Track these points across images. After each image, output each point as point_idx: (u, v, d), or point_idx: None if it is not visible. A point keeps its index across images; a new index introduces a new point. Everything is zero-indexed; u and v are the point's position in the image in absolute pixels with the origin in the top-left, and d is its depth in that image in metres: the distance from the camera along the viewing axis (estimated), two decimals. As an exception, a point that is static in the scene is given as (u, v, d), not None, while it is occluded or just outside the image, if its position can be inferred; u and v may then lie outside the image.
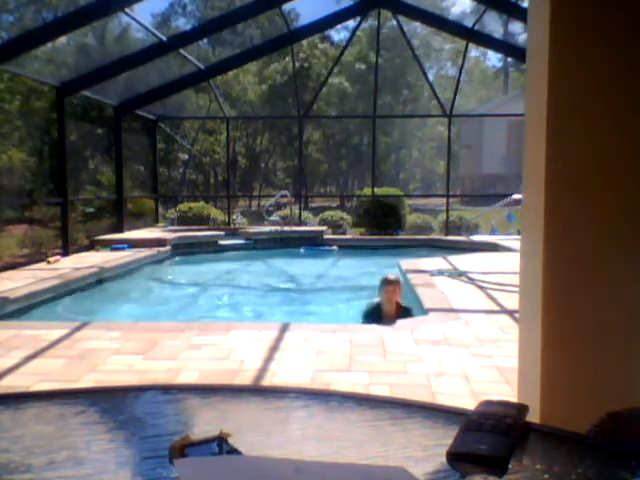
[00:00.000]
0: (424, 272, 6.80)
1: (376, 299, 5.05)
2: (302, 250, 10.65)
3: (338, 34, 26.11)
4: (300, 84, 18.93)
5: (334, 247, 10.82)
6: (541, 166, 1.85)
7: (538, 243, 1.88)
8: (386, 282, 4.93)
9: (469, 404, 0.89)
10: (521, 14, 9.21)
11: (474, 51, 33.56)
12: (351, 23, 13.58)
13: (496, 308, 5.19)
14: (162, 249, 9.31)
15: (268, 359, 3.62)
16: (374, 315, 4.88)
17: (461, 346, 3.92)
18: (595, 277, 1.84)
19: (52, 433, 0.79)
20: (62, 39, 9.90)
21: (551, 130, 1.82)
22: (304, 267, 9.31)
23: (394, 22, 13.98)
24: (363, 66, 24.96)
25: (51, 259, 7.93)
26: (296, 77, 14.85)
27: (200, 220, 12.20)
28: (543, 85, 1.83)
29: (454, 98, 12.13)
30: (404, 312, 4.87)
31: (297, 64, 22.23)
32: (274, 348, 3.86)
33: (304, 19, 24.97)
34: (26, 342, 4.03)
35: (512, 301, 5.07)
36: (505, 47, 14.08)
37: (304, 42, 23.05)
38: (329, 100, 24.83)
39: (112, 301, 6.71)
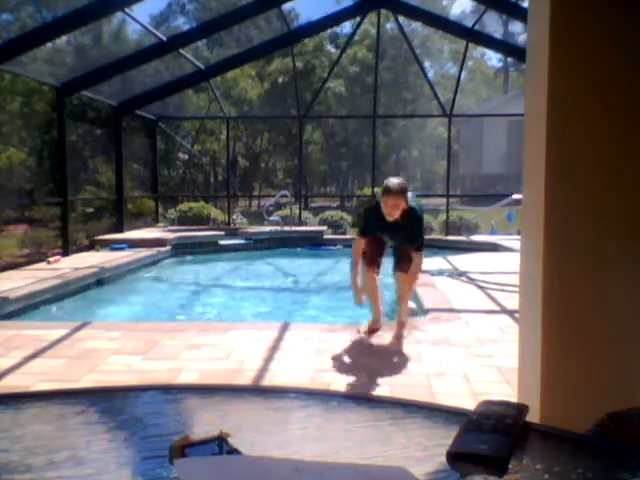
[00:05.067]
0: (424, 272, 6.78)
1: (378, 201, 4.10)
2: (299, 249, 10.66)
3: (342, 34, 26.02)
4: (303, 84, 18.93)
5: (338, 246, 10.84)
6: (541, 166, 1.85)
7: (538, 243, 1.88)
8: (386, 192, 3.82)
9: (469, 404, 0.89)
10: (521, 14, 9.21)
11: (475, 53, 33.56)
12: (351, 23, 13.55)
13: (496, 308, 5.19)
14: (162, 249, 9.31)
15: (268, 359, 3.62)
16: (373, 217, 4.02)
17: (461, 346, 3.92)
18: (595, 277, 1.84)
19: (52, 433, 0.79)
20: (62, 39, 9.91)
21: (551, 130, 1.82)
22: (304, 267, 9.31)
23: (394, 22, 13.99)
24: (361, 68, 24.96)
25: (51, 259, 7.93)
26: (297, 77, 14.83)
27: (200, 220, 12.20)
28: (543, 85, 1.83)
29: (454, 98, 12.12)
30: (409, 216, 3.94)
31: (301, 64, 22.25)
32: (274, 348, 3.86)
33: (304, 19, 25.02)
34: (26, 342, 4.04)
35: (512, 301, 5.08)
36: (505, 47, 14.08)
37: (310, 43, 23.15)
38: (329, 101, 24.82)
39: (112, 301, 6.71)
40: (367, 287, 4.22)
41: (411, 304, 4.74)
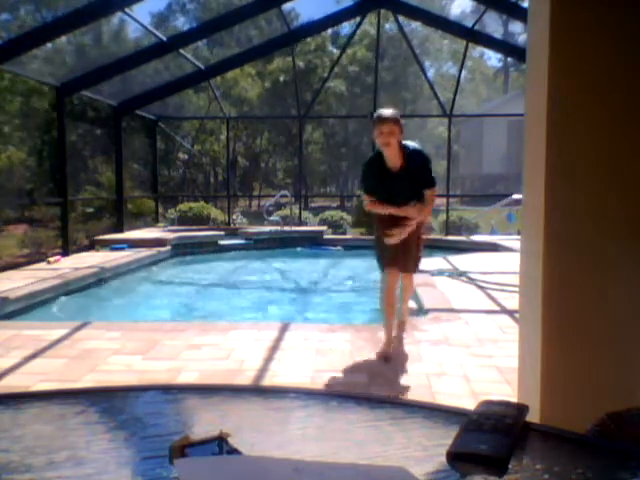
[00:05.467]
0: (424, 272, 6.79)
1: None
2: (299, 249, 10.69)
3: (343, 34, 26.05)
4: (303, 84, 18.92)
5: (339, 248, 10.87)
6: (541, 166, 1.86)
7: (538, 243, 1.88)
8: (377, 121, 3.51)
9: (469, 404, 0.89)
10: (521, 14, 9.21)
11: (475, 53, 33.59)
12: (350, 24, 13.55)
13: (496, 308, 5.19)
14: (162, 249, 9.31)
15: (268, 359, 3.62)
16: (375, 167, 3.65)
17: (461, 346, 3.92)
18: (595, 277, 1.84)
19: (52, 433, 0.79)
20: (62, 39, 9.92)
21: (551, 130, 1.82)
22: (304, 267, 9.31)
23: (394, 22, 13.99)
24: (361, 68, 24.97)
25: (51, 259, 7.93)
26: (297, 77, 14.83)
27: (200, 220, 12.20)
28: (543, 85, 1.83)
29: (454, 98, 12.12)
30: (411, 158, 3.61)
31: (302, 64, 22.24)
32: (274, 348, 3.86)
33: (304, 19, 25.04)
34: (26, 342, 4.04)
35: (512, 301, 5.08)
36: (505, 47, 14.08)
37: (312, 43, 23.17)
38: (329, 101, 24.83)
39: (112, 301, 6.72)
40: (384, 300, 3.77)
41: (411, 304, 4.70)
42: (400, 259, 3.72)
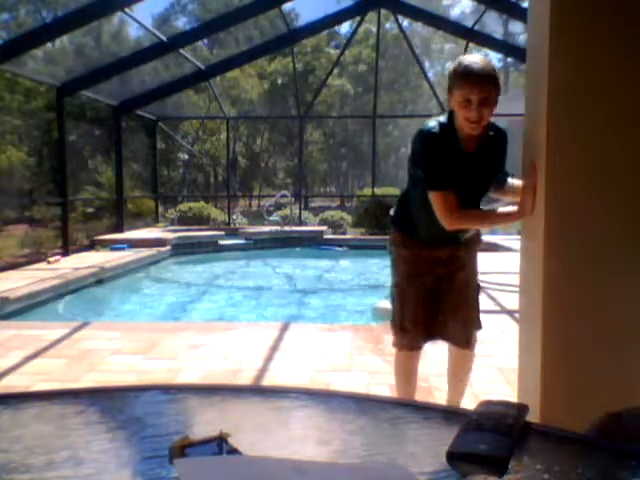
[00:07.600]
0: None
1: (440, 118, 2.23)
2: (299, 249, 10.72)
3: (342, 34, 26.13)
4: (301, 84, 18.93)
5: (344, 247, 10.93)
6: (541, 166, 1.86)
7: (538, 243, 1.87)
8: (464, 78, 2.03)
9: (469, 404, 0.89)
10: (521, 14, 9.21)
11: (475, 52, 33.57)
12: (351, 24, 13.54)
13: (496, 308, 5.18)
14: (162, 249, 9.31)
15: (268, 359, 3.62)
16: (443, 146, 2.18)
17: (461, 346, 3.91)
18: (595, 277, 1.84)
19: (52, 433, 0.79)
20: (62, 39, 9.91)
21: (551, 130, 1.82)
22: (304, 267, 9.31)
23: (394, 22, 13.99)
24: (363, 67, 24.99)
25: (51, 259, 7.93)
26: (297, 77, 14.83)
27: (200, 220, 12.21)
28: (543, 85, 1.83)
29: (454, 98, 12.09)
30: (495, 132, 2.39)
31: (300, 65, 22.28)
32: (274, 348, 3.86)
33: (304, 19, 25.05)
34: (26, 342, 4.04)
35: (512, 301, 5.07)
36: (505, 47, 14.07)
37: (309, 45, 23.19)
38: (330, 101, 24.84)
39: (112, 301, 6.71)
40: (401, 388, 2.59)
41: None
42: (437, 320, 2.37)
